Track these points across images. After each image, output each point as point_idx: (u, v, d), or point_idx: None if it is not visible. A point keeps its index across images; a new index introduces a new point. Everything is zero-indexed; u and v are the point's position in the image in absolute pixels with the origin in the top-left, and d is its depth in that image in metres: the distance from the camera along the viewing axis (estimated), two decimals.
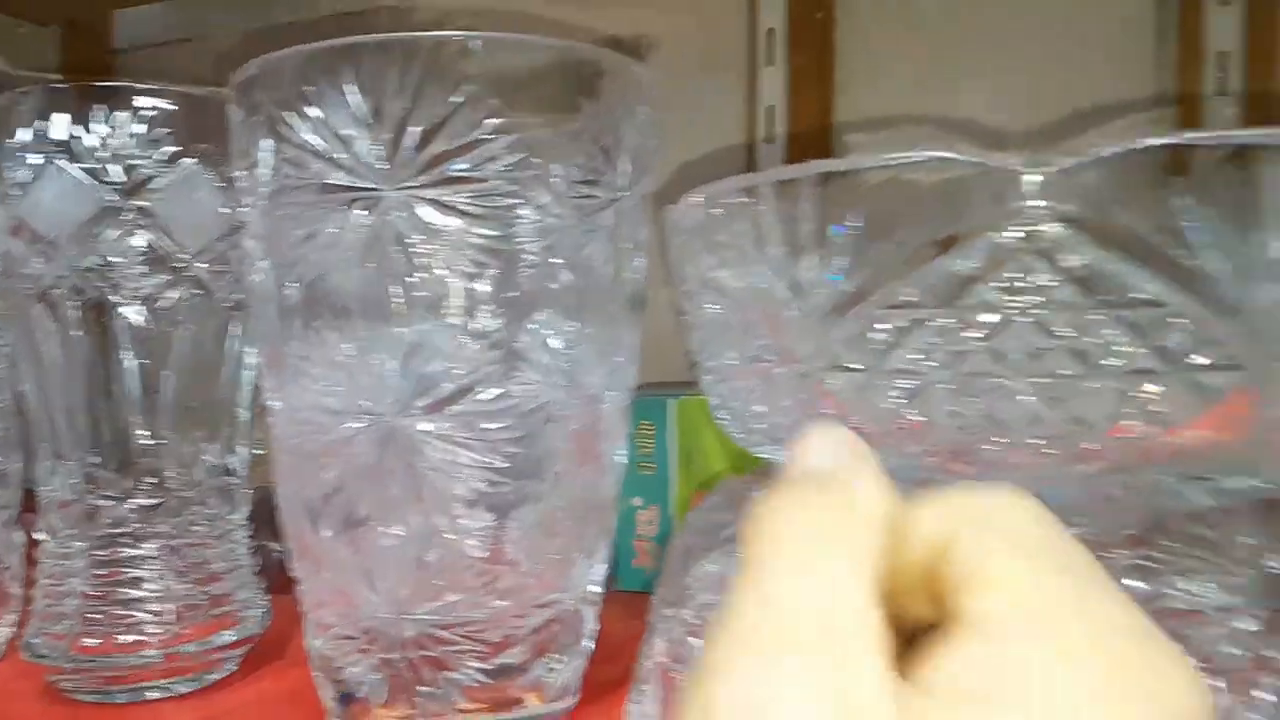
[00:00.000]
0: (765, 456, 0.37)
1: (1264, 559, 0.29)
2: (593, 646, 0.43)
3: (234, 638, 0.48)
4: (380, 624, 0.39)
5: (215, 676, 0.48)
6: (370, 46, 0.36)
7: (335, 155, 0.36)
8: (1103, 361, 0.26)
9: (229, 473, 0.49)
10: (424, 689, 0.40)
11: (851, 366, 0.27)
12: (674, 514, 0.59)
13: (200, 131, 0.45)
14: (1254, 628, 0.26)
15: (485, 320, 0.38)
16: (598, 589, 0.43)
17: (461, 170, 0.36)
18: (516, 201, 0.37)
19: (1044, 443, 0.26)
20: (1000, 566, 0.17)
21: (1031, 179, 0.25)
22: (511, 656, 0.40)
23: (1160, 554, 0.29)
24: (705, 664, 0.16)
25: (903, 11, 0.74)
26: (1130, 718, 0.16)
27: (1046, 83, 0.69)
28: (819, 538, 0.18)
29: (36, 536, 0.48)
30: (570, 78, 0.38)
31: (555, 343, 0.39)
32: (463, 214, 0.37)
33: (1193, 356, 0.25)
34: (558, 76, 0.39)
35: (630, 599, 0.44)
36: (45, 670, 0.47)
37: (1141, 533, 0.29)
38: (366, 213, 0.36)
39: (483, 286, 0.38)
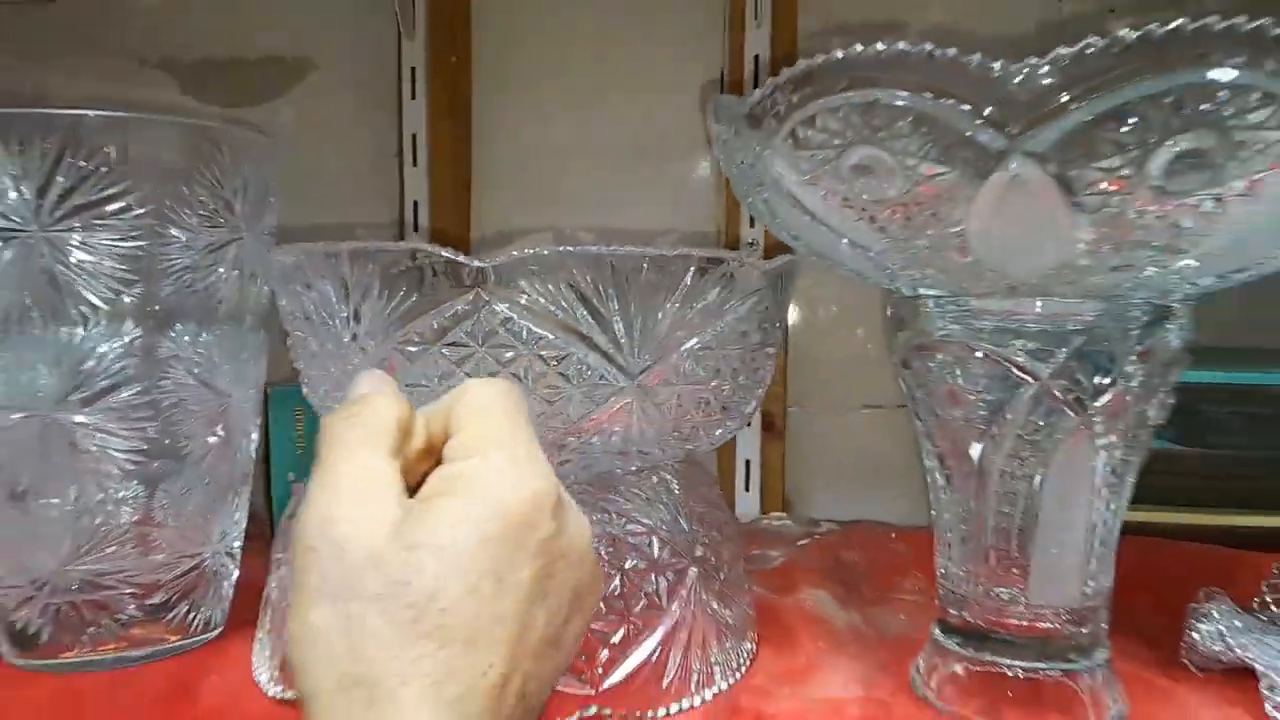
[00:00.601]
0: None
1: None
2: (233, 591, 0.55)
3: None
4: (46, 575, 0.49)
5: None
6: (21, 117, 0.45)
7: None
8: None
9: None
10: (90, 628, 0.50)
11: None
12: None
13: None
14: None
15: (130, 330, 0.48)
16: (236, 544, 0.54)
17: (101, 216, 0.46)
18: (154, 240, 0.48)
19: None
20: (465, 417, 0.32)
21: None
22: (160, 598, 0.51)
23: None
24: (297, 515, 0.30)
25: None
26: (516, 489, 0.31)
27: None
28: (349, 431, 0.32)
29: None
30: (198, 145, 0.49)
31: (190, 348, 0.50)
32: (105, 250, 0.47)
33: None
34: (188, 144, 0.49)
35: None
36: None
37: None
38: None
39: (128, 303, 0.48)
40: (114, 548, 0.50)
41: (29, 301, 0.46)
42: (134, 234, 0.47)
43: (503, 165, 0.89)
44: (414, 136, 0.87)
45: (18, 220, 0.45)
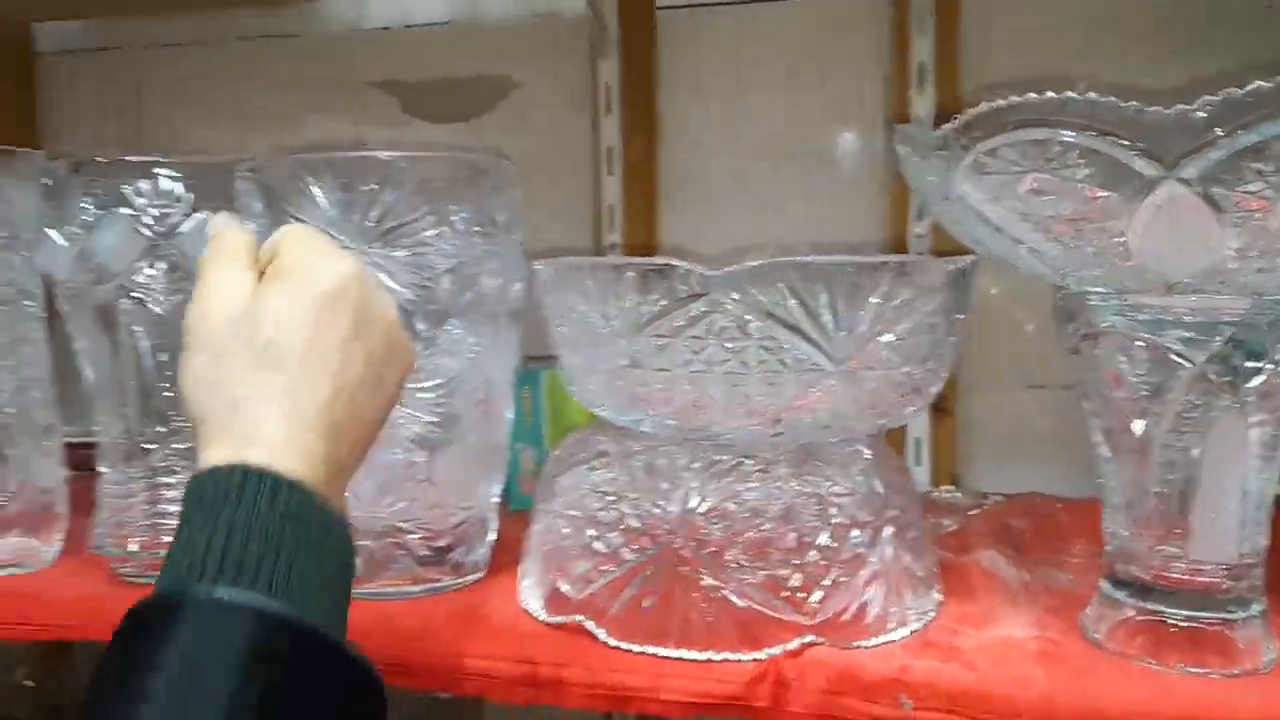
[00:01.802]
0: (598, 412, 0.60)
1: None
2: (495, 538, 0.66)
3: None
4: (357, 521, 0.61)
5: None
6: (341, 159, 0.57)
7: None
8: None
9: None
10: (392, 565, 0.62)
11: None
12: (547, 454, 0.82)
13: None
14: None
15: (418, 325, 0.60)
16: (496, 500, 0.66)
17: (402, 236, 0.58)
18: (436, 253, 0.59)
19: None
20: (285, 243, 0.46)
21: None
22: (443, 543, 0.63)
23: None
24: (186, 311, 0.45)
25: None
26: (328, 269, 0.45)
27: None
28: (215, 254, 0.46)
29: (100, 469, 0.68)
30: (468, 174, 0.60)
31: (462, 339, 0.61)
32: (403, 262, 0.59)
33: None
34: (462, 173, 0.60)
35: (519, 515, 0.66)
36: (109, 561, 0.67)
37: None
38: None
39: (416, 302, 0.60)
40: (405, 503, 0.62)
41: None
42: (422, 249, 0.59)
43: (687, 178, 0.98)
44: (609, 150, 0.97)
45: (347, 241, 0.57)
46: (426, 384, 0.61)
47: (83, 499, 0.72)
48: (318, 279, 0.44)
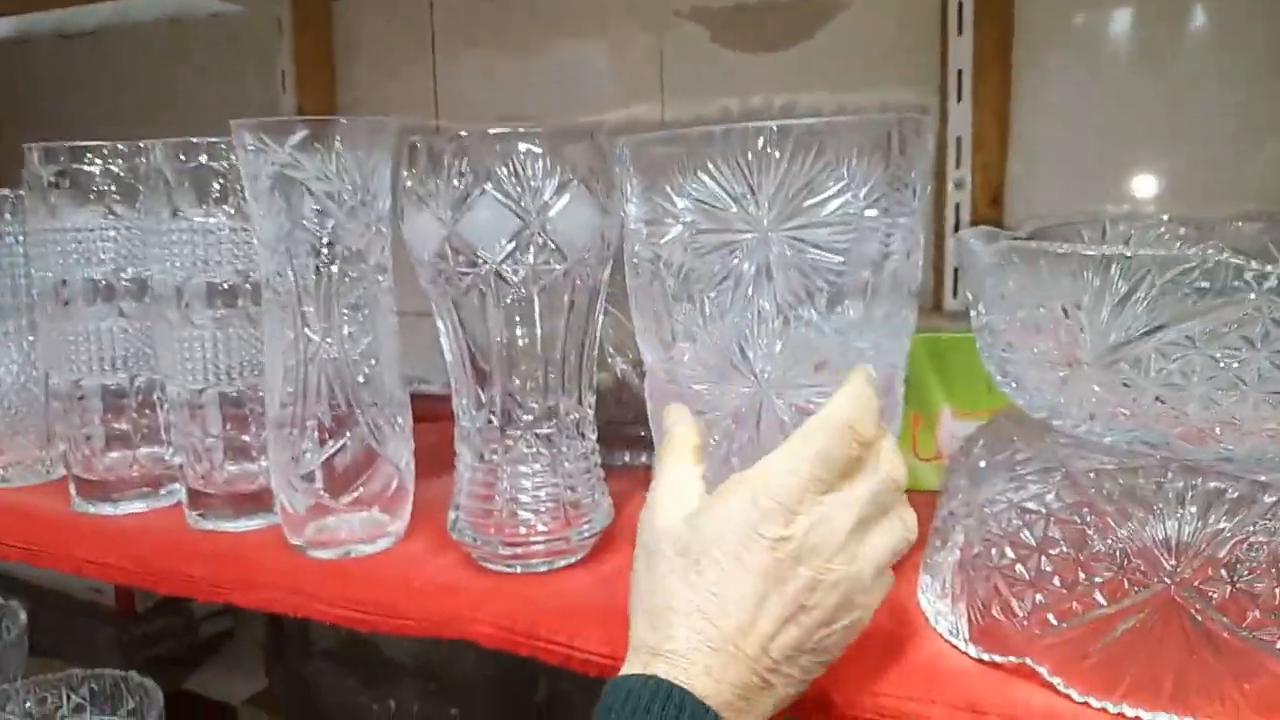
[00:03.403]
0: (1008, 395, 0.51)
1: None
2: None
3: (590, 530, 0.65)
4: None
5: (567, 561, 0.65)
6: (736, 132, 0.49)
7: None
8: None
9: (586, 409, 0.65)
10: None
11: (1130, 383, 0.41)
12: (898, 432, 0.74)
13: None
14: None
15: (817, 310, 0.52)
16: None
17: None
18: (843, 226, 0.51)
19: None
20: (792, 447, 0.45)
21: None
22: None
23: None
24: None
25: None
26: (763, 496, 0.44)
27: None
28: (665, 454, 0.49)
29: (458, 450, 0.65)
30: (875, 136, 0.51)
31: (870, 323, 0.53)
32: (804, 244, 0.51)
33: None
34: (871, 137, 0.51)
35: None
36: (465, 546, 0.65)
37: None
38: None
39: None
40: None
41: None
42: (831, 226, 0.51)
43: (1043, 119, 0.85)
44: (959, 73, 0.85)
45: (745, 226, 0.50)
46: (834, 378, 0.52)
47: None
48: (748, 505, 0.44)
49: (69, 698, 1.05)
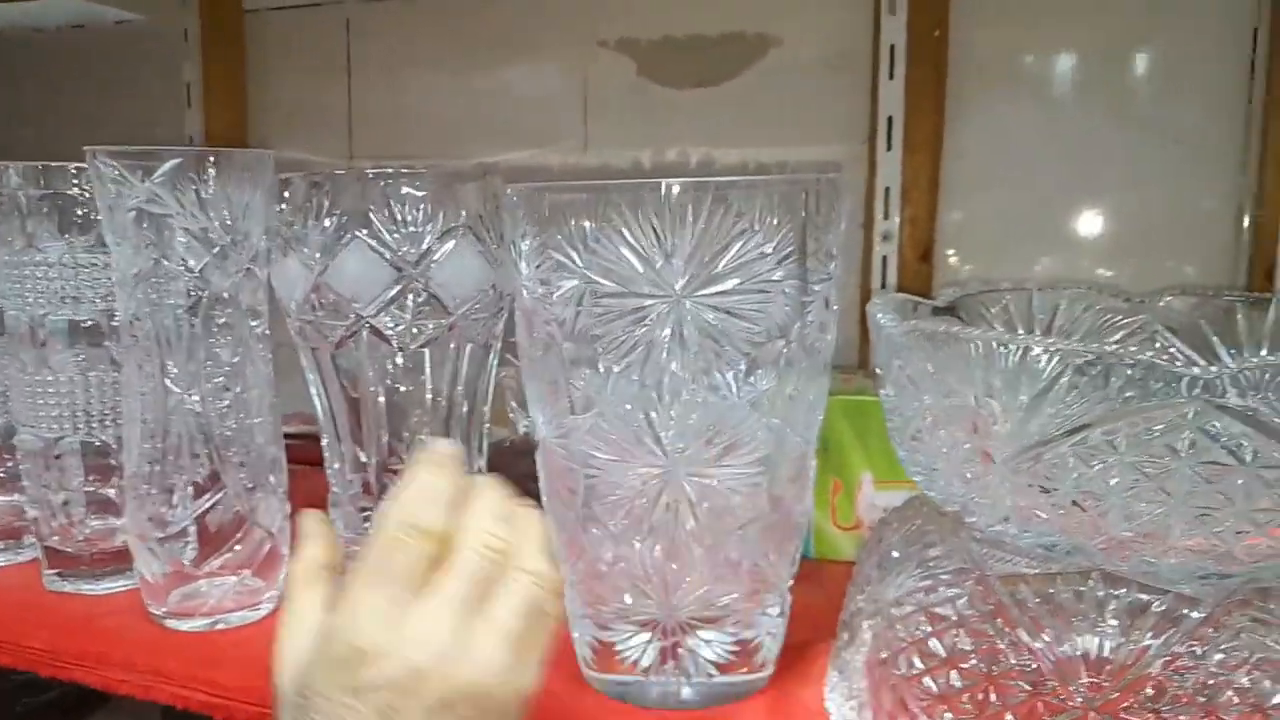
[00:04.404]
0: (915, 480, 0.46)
1: None
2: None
3: None
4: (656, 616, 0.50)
5: None
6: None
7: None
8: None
9: (477, 472, 0.60)
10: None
11: (1047, 487, 0.37)
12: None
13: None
14: None
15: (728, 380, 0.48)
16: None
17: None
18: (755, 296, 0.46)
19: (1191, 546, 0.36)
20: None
21: None
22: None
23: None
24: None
25: None
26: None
27: None
28: (295, 580, 0.42)
29: (331, 505, 0.60)
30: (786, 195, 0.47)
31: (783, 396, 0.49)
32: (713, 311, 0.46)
33: None
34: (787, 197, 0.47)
35: None
36: None
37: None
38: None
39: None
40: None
41: None
42: (742, 295, 0.46)
43: (977, 167, 0.82)
44: (889, 120, 0.82)
45: (652, 290, 0.45)
46: (745, 457, 0.48)
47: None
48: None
49: None
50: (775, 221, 0.46)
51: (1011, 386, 0.38)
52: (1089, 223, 0.80)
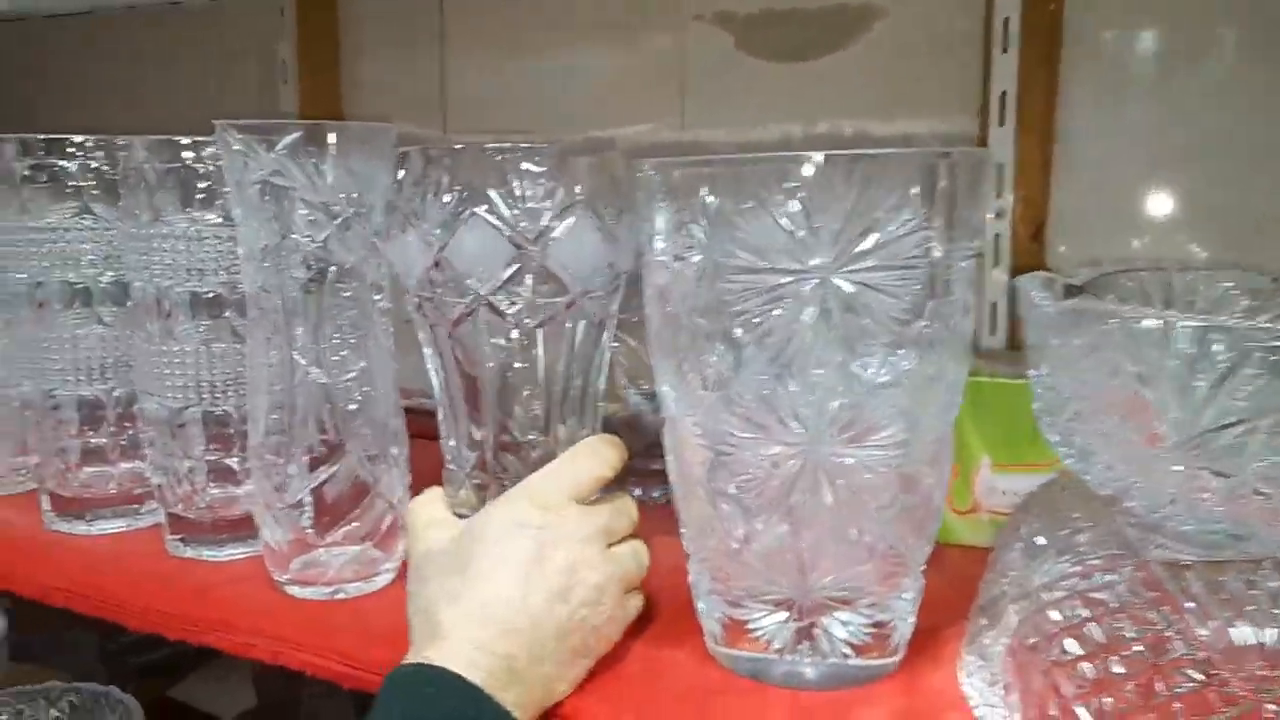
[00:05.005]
0: (1073, 469, 0.45)
1: None
2: None
3: None
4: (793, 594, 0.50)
5: None
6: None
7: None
8: None
9: None
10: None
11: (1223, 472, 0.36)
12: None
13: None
14: None
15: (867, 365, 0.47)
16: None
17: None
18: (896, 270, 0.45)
19: None
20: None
21: None
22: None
23: None
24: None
25: None
26: None
27: None
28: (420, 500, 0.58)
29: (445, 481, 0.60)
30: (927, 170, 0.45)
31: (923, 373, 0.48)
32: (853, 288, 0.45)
33: None
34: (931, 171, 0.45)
35: None
36: None
37: None
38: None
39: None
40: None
41: None
42: (882, 270, 0.45)
43: (1087, 145, 0.79)
44: (1003, 95, 0.80)
45: (797, 265, 0.45)
46: (885, 438, 0.47)
47: None
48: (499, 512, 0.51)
49: (49, 711, 1.00)
50: (920, 195, 0.45)
51: (1188, 370, 0.37)
52: (1206, 203, 0.78)
